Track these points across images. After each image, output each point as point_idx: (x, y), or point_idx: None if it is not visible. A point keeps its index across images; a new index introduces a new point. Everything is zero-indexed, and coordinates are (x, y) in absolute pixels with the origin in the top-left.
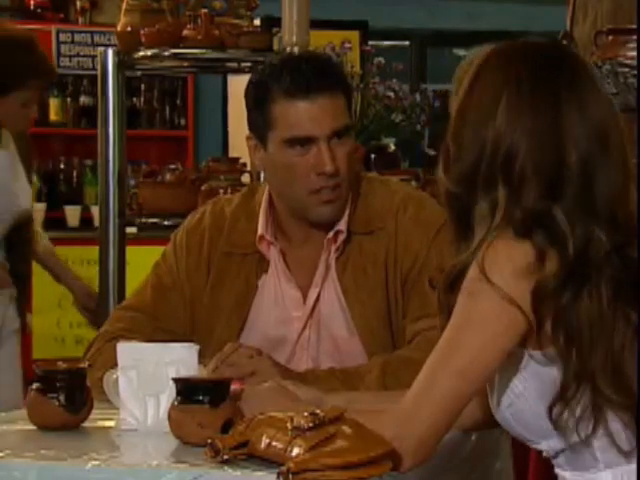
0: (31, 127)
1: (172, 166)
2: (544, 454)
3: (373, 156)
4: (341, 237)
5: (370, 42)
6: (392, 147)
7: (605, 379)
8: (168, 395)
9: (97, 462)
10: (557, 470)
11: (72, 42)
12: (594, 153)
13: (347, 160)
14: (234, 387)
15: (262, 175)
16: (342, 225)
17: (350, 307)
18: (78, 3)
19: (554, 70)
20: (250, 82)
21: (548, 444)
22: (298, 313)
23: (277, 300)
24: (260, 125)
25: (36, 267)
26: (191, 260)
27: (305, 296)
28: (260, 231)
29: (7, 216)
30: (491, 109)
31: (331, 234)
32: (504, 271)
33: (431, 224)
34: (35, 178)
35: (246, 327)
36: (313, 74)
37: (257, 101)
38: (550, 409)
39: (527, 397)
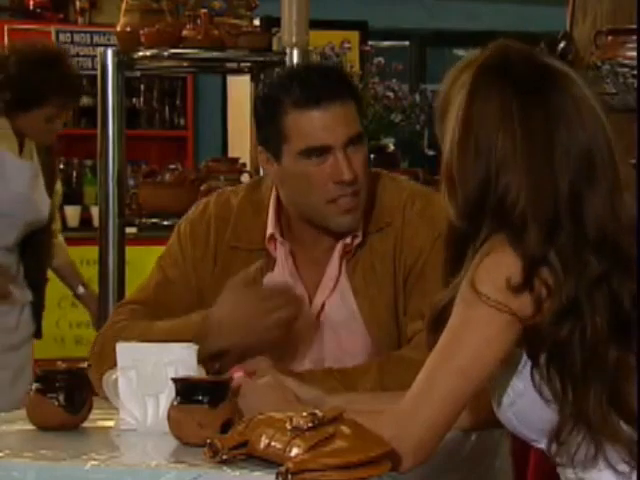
0: (55, 141)
1: (172, 166)
2: (548, 454)
3: (372, 156)
4: (357, 241)
5: (369, 42)
6: (391, 147)
7: (601, 416)
8: (167, 395)
9: (96, 462)
10: (559, 469)
11: (72, 42)
12: (581, 180)
13: (363, 167)
14: (237, 375)
15: (261, 170)
16: (359, 232)
17: (360, 305)
18: (78, 3)
19: (542, 94)
20: (258, 97)
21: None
22: (305, 313)
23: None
24: (272, 139)
25: None
26: (197, 251)
27: (311, 297)
28: (270, 230)
29: (22, 223)
30: (489, 148)
31: (348, 239)
32: (494, 284)
33: (437, 221)
34: (59, 185)
35: None
36: (323, 83)
37: (267, 115)
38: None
39: (528, 396)
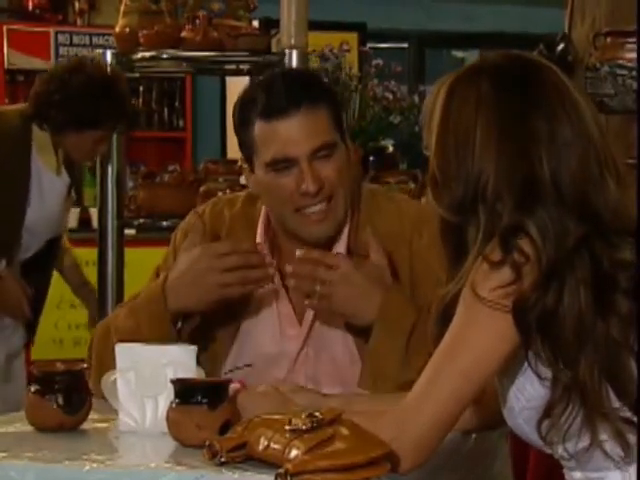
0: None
1: (170, 167)
2: (555, 456)
3: (371, 158)
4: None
5: (368, 44)
6: (390, 148)
7: (593, 387)
8: (166, 396)
9: (95, 464)
10: (565, 470)
11: (70, 44)
12: (559, 156)
13: (336, 177)
14: (234, 386)
15: None
16: (341, 247)
17: (350, 330)
18: (77, 4)
19: (521, 86)
20: (234, 105)
21: (564, 448)
22: (294, 332)
23: (272, 315)
24: (245, 148)
25: None
26: None
27: (302, 315)
28: (258, 239)
29: (45, 239)
30: (467, 143)
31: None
32: (489, 286)
33: None
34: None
35: (238, 339)
36: (287, 92)
37: (239, 125)
38: (539, 426)
39: (537, 398)
